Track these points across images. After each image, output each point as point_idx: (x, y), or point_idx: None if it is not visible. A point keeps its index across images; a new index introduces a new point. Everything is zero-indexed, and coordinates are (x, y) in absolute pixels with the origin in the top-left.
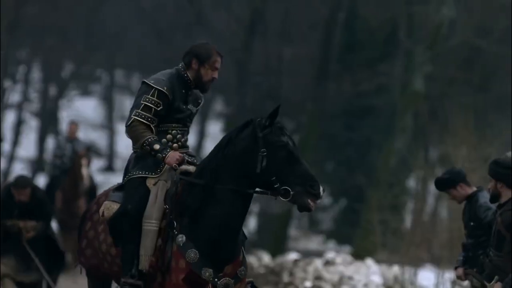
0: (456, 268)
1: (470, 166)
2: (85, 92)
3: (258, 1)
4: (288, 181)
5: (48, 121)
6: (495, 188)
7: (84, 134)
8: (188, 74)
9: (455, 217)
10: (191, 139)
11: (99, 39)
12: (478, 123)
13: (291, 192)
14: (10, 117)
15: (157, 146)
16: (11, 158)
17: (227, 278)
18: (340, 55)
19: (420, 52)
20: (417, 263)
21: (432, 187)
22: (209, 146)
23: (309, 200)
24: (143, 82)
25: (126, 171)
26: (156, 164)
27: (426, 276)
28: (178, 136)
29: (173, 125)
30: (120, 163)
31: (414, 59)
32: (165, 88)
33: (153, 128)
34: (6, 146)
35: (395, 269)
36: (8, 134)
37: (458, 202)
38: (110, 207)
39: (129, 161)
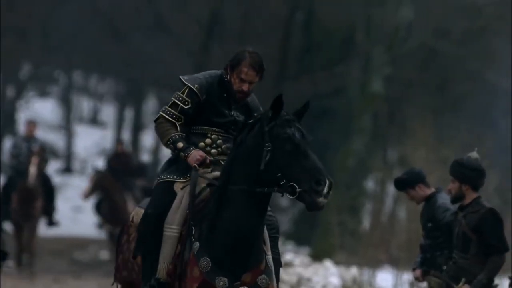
0: (414, 270)
1: (428, 168)
2: (43, 93)
3: (216, 2)
4: (294, 176)
5: (6, 122)
6: (459, 189)
7: (41, 135)
8: (228, 79)
9: (413, 219)
10: (148, 141)
11: (56, 40)
12: (436, 125)
13: (298, 189)
14: None
15: (180, 144)
16: None
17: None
18: (299, 56)
19: (379, 54)
20: (375, 265)
21: (390, 189)
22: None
23: (316, 198)
24: (180, 79)
25: (158, 175)
26: (188, 168)
27: (385, 277)
28: (219, 141)
29: (214, 129)
30: (77, 164)
31: (373, 61)
32: (196, 86)
33: (178, 125)
34: None
35: (354, 270)
36: None
37: (417, 202)
38: (138, 213)
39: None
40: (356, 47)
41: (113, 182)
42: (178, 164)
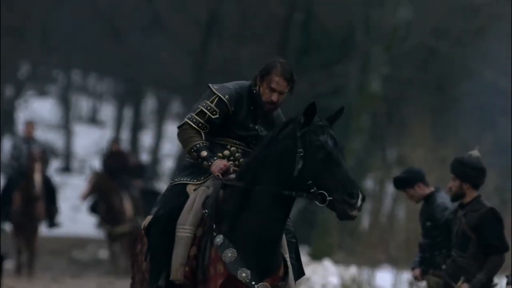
0: (413, 269)
1: (427, 167)
2: (42, 93)
3: (215, 2)
4: (325, 185)
5: (4, 121)
6: (460, 188)
7: (40, 135)
8: (256, 90)
9: (412, 218)
10: (147, 140)
11: (55, 39)
12: (435, 125)
13: (328, 198)
14: None
15: (204, 153)
16: None
17: (266, 284)
18: (297, 56)
19: (377, 54)
20: (374, 264)
21: (389, 188)
22: (166, 147)
23: (347, 209)
24: (208, 86)
25: (171, 179)
26: (202, 172)
27: (384, 276)
28: (237, 154)
29: (234, 141)
30: (76, 164)
31: (371, 61)
32: (226, 97)
33: (203, 134)
34: None
35: (353, 270)
36: None
37: (416, 201)
38: (149, 219)
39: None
40: (355, 47)
41: (110, 182)
42: (193, 168)
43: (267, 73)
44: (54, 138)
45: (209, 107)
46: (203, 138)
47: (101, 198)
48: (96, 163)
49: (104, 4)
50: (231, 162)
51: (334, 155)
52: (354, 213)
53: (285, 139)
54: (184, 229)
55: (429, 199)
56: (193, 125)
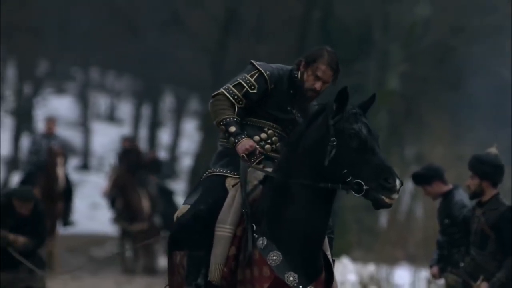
0: (431, 267)
1: (445, 164)
2: (60, 90)
3: None
4: (360, 174)
5: (23, 119)
6: (479, 185)
7: (59, 132)
8: (298, 75)
9: (430, 216)
10: (165, 138)
11: (73, 37)
12: (453, 122)
13: (364, 187)
14: None
15: (233, 129)
16: None
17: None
18: None
19: (395, 51)
20: (392, 262)
21: (407, 186)
22: (184, 145)
23: (383, 196)
24: (250, 62)
25: (206, 169)
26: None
27: (402, 274)
28: (274, 138)
29: (272, 124)
30: (95, 162)
31: (389, 58)
32: (267, 73)
33: (236, 108)
34: None
35: (371, 267)
36: None
37: (433, 198)
38: (182, 210)
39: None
40: (373, 45)
41: (128, 178)
42: (230, 157)
43: (314, 61)
44: (72, 136)
45: (248, 81)
46: (236, 113)
47: (119, 194)
48: (113, 161)
49: (122, 2)
50: (268, 146)
51: (368, 144)
52: (393, 196)
53: (317, 129)
54: (225, 228)
55: (447, 197)
56: (228, 96)
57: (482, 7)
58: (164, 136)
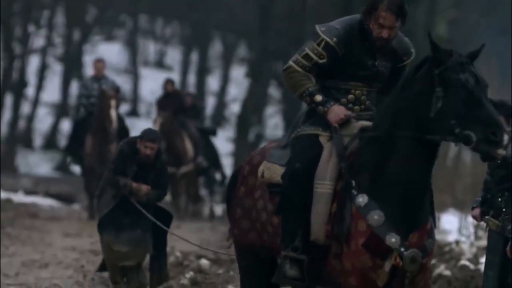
0: (473, 208)
1: None
2: (109, 37)
3: None
4: (468, 125)
5: (72, 65)
6: None
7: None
8: (368, 25)
9: (478, 161)
10: (214, 84)
11: None
12: (502, 66)
13: (474, 139)
14: (34, 62)
15: (319, 98)
16: (35, 102)
17: (415, 250)
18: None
19: None
20: (441, 208)
21: None
22: (232, 92)
23: (492, 149)
24: (315, 28)
25: (294, 127)
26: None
27: (450, 220)
28: (362, 98)
29: (357, 83)
30: (144, 108)
31: (438, 4)
32: (334, 39)
33: (311, 77)
34: (30, 91)
35: None
36: (32, 79)
37: None
38: (271, 168)
39: (298, 116)
40: None
41: (172, 122)
42: (318, 116)
43: (374, 8)
44: (121, 82)
45: (315, 51)
46: (314, 81)
47: (163, 138)
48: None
49: None
50: (357, 107)
51: (476, 94)
52: (500, 151)
53: (420, 79)
54: (324, 185)
55: None
56: (298, 68)
57: None
58: (213, 82)
